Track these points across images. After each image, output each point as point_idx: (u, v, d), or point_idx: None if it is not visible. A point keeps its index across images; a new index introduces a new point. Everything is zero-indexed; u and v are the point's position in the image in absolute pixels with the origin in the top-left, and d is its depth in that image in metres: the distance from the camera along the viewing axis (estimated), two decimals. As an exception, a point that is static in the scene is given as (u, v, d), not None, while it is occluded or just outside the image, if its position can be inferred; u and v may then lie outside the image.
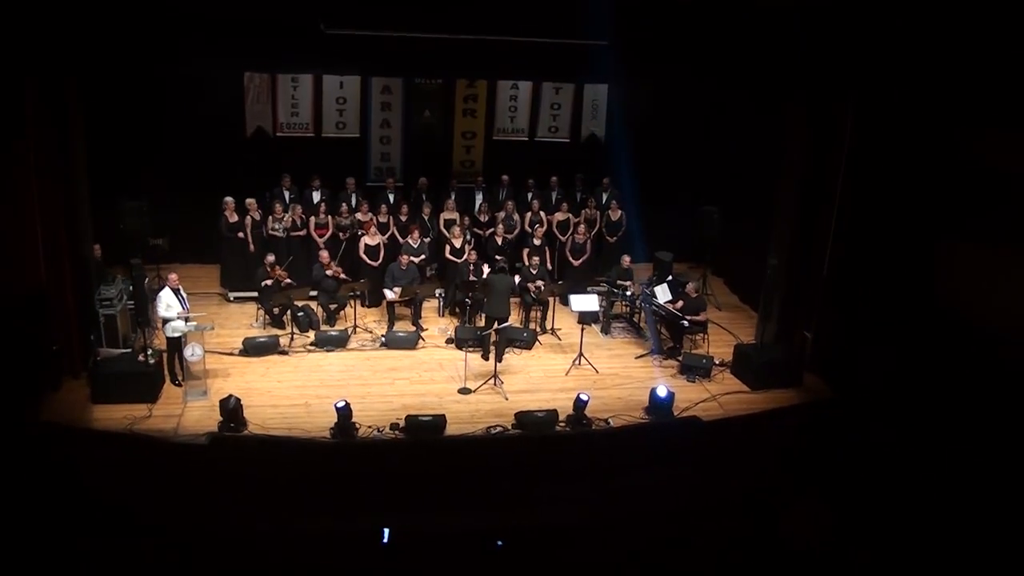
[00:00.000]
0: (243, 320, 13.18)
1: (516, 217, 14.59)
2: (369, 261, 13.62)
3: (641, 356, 12.67)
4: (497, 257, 13.57)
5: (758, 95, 14.06)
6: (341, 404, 10.16)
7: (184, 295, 11.18)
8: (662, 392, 10.91)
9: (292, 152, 14.71)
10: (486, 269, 12.35)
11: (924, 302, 10.89)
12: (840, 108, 11.45)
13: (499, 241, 14.08)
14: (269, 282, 12.74)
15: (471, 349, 12.23)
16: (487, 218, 14.61)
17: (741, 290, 15.11)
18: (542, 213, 14.68)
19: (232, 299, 13.81)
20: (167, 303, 10.90)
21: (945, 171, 10.69)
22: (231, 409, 10.16)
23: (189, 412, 10.54)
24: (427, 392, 11.33)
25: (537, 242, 14.05)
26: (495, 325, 11.83)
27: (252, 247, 13.52)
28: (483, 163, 15.55)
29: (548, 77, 15.37)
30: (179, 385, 11.05)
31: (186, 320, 10.95)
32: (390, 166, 15.35)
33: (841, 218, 11.72)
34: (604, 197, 15.20)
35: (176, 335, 10.89)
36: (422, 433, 10.20)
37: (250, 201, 13.64)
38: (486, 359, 12.14)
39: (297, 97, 14.66)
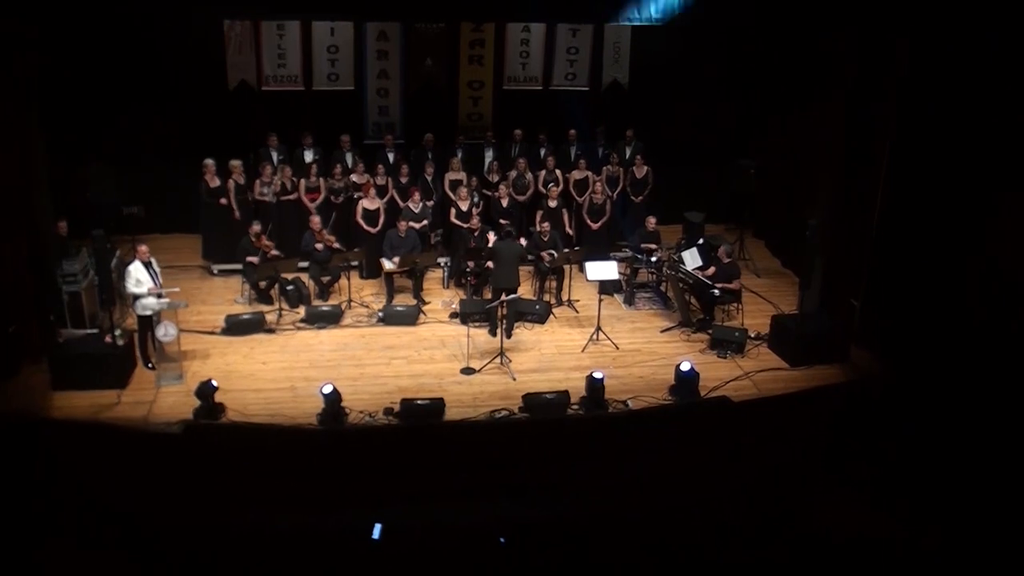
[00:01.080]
0: (227, 295, 13.16)
1: (528, 176, 14.43)
2: (366, 227, 13.55)
3: (667, 330, 12.51)
4: (502, 221, 13.42)
5: (800, 30, 13.72)
6: (328, 389, 10.09)
7: (157, 269, 11.16)
8: (685, 368, 10.74)
9: (280, 108, 14.64)
10: (491, 237, 12.19)
11: (984, 267, 10.57)
12: (893, 45, 11.11)
13: (504, 203, 13.93)
14: (254, 259, 12.68)
15: (477, 324, 12.12)
16: (497, 178, 14.46)
17: (783, 253, 14.89)
18: (558, 171, 14.52)
19: (216, 272, 13.81)
20: (137, 278, 10.86)
21: (1012, 118, 10.32)
22: (208, 394, 10.14)
23: (162, 398, 10.53)
24: (426, 373, 11.26)
25: (552, 204, 13.88)
26: (502, 297, 11.70)
27: (236, 214, 13.49)
28: (492, 116, 15.39)
29: (564, 18, 15.10)
30: (151, 369, 11.04)
31: (158, 296, 10.91)
32: (389, 121, 15.22)
33: (892, 171, 11.41)
34: (628, 151, 15.01)
35: (147, 313, 10.86)
36: (418, 418, 10.14)
37: (234, 163, 13.60)
38: (493, 335, 12.04)
39: (284, 46, 14.54)
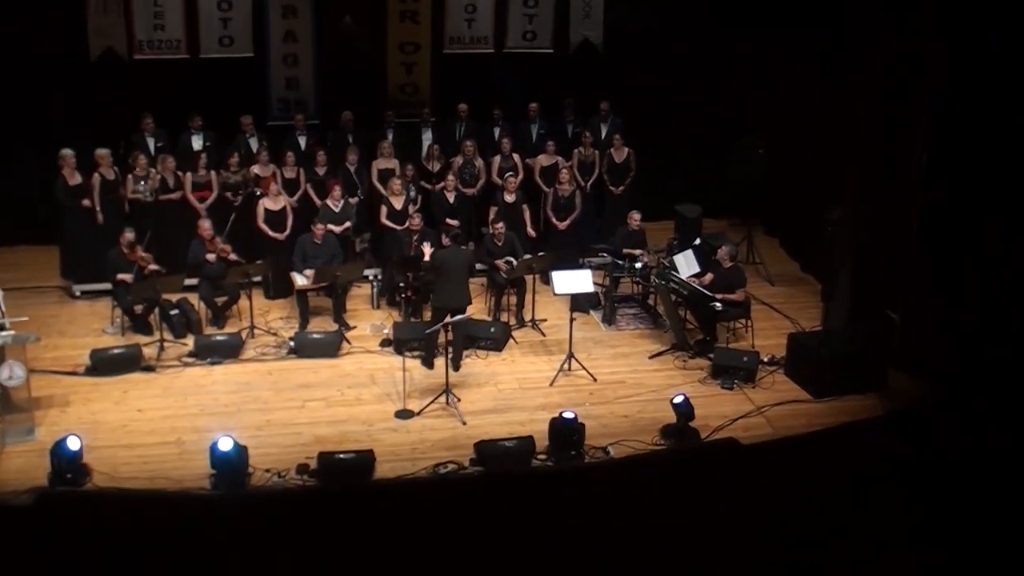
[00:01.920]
0: (93, 324, 13.07)
1: (478, 163, 14.48)
2: (271, 233, 13.53)
3: (658, 354, 12.54)
4: (449, 222, 13.35)
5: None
6: (225, 443, 9.98)
7: (-3, 291, 11.04)
8: (680, 402, 10.80)
9: (157, 82, 14.62)
10: (427, 249, 12.16)
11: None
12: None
13: (450, 199, 13.93)
14: (126, 277, 12.55)
15: (416, 354, 12.15)
16: (439, 166, 14.48)
17: (802, 255, 15.04)
18: (516, 156, 14.58)
19: (78, 294, 13.73)
20: (-29, 305, 10.73)
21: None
22: (68, 453, 9.98)
23: (7, 459, 10.40)
24: (351, 418, 11.23)
25: (510, 198, 13.93)
26: (447, 318, 11.65)
27: (99, 218, 13.44)
28: (431, 88, 15.46)
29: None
30: (-8, 421, 10.89)
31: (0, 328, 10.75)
32: (299, 97, 15.27)
33: (938, 147, 11.51)
34: (603, 130, 15.11)
35: (-15, 350, 10.71)
36: (341, 477, 10.07)
37: (100, 153, 13.56)
38: (430, 367, 12.03)
39: (161, 3, 14.56)
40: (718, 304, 12.33)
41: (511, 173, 14.17)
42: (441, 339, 11.87)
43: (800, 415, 11.35)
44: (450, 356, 11.79)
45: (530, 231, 13.96)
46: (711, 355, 12.23)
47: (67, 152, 13.36)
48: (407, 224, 13.35)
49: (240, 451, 10.11)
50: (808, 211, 14.03)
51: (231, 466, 10.02)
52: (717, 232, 14.69)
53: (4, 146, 13.87)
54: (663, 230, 14.64)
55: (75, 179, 13.38)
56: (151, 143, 14.12)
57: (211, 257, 12.89)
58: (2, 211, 14.13)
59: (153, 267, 12.73)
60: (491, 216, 13.74)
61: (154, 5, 14.45)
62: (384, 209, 13.76)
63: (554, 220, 14.10)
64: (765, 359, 12.23)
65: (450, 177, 14.04)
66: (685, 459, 10.42)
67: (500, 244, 13.14)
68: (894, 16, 11.71)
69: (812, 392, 11.73)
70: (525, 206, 14.02)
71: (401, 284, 12.88)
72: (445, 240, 12.66)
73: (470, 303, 12.07)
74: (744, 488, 9.75)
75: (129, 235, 12.70)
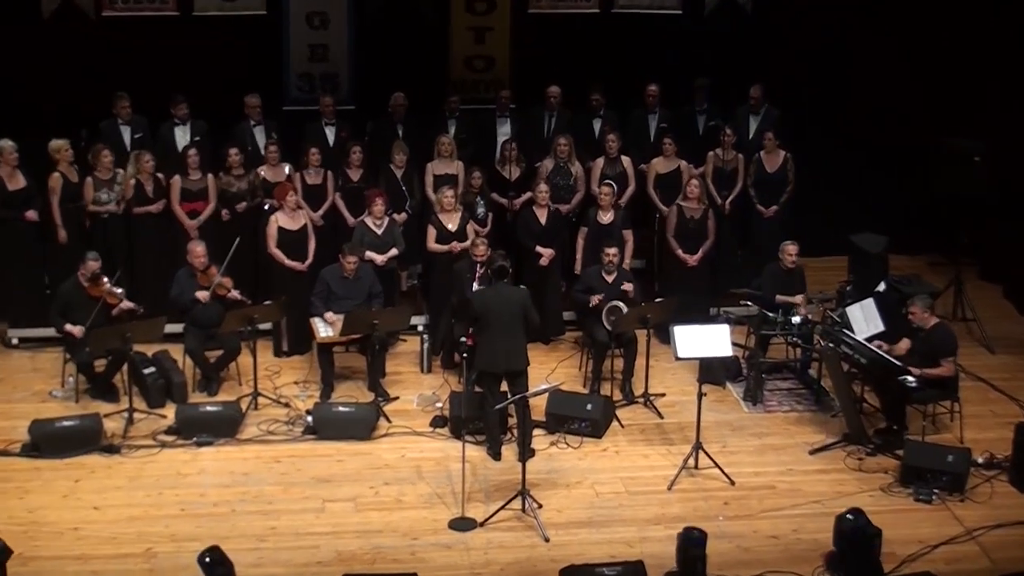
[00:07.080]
0: (36, 384, 13.30)
1: (576, 169, 14.44)
2: (287, 262, 13.66)
3: (822, 448, 12.38)
4: (540, 251, 13.54)
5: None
6: (209, 556, 9.89)
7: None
8: (854, 519, 10.44)
9: (134, 49, 14.91)
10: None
11: None
12: None
13: (542, 219, 13.89)
14: (75, 330, 12.56)
15: (480, 438, 12.17)
16: (519, 172, 14.55)
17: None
18: (626, 160, 14.59)
19: (15, 342, 13.98)
20: None
21: None
22: (-6, 566, 10.03)
23: (-86, 573, 10.54)
24: (388, 527, 11.14)
25: (605, 217, 14.00)
26: (501, 388, 11.77)
27: (63, 235, 13.64)
28: (510, 63, 15.66)
29: None
30: None
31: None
32: (328, 71, 15.55)
33: None
34: (752, 125, 15.10)
35: None
36: (373, 614, 10.02)
37: (55, 145, 13.80)
38: (496, 457, 12.07)
39: (142, -58, 14.88)
40: (911, 379, 12.09)
41: (608, 184, 14.06)
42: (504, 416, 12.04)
43: (1029, 542, 11.22)
44: (520, 440, 11.75)
45: (625, 264, 13.71)
46: (900, 452, 12.01)
47: (7, 144, 13.57)
48: (469, 243, 13.37)
49: (230, 569, 9.93)
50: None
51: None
52: (910, 275, 14.51)
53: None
54: (832, 269, 14.66)
55: (16, 182, 13.60)
56: (126, 134, 14.34)
57: (203, 295, 12.94)
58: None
59: (127, 305, 12.82)
60: (580, 241, 13.80)
61: (132, -54, 14.79)
62: (433, 232, 13.78)
63: (680, 252, 13.98)
64: (980, 460, 11.99)
65: (541, 187, 13.99)
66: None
67: (610, 281, 13.04)
68: None
69: (1046, 509, 11.52)
70: (627, 232, 13.93)
71: (462, 339, 12.71)
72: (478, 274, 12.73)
73: (527, 364, 11.95)
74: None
75: (94, 263, 12.74)
